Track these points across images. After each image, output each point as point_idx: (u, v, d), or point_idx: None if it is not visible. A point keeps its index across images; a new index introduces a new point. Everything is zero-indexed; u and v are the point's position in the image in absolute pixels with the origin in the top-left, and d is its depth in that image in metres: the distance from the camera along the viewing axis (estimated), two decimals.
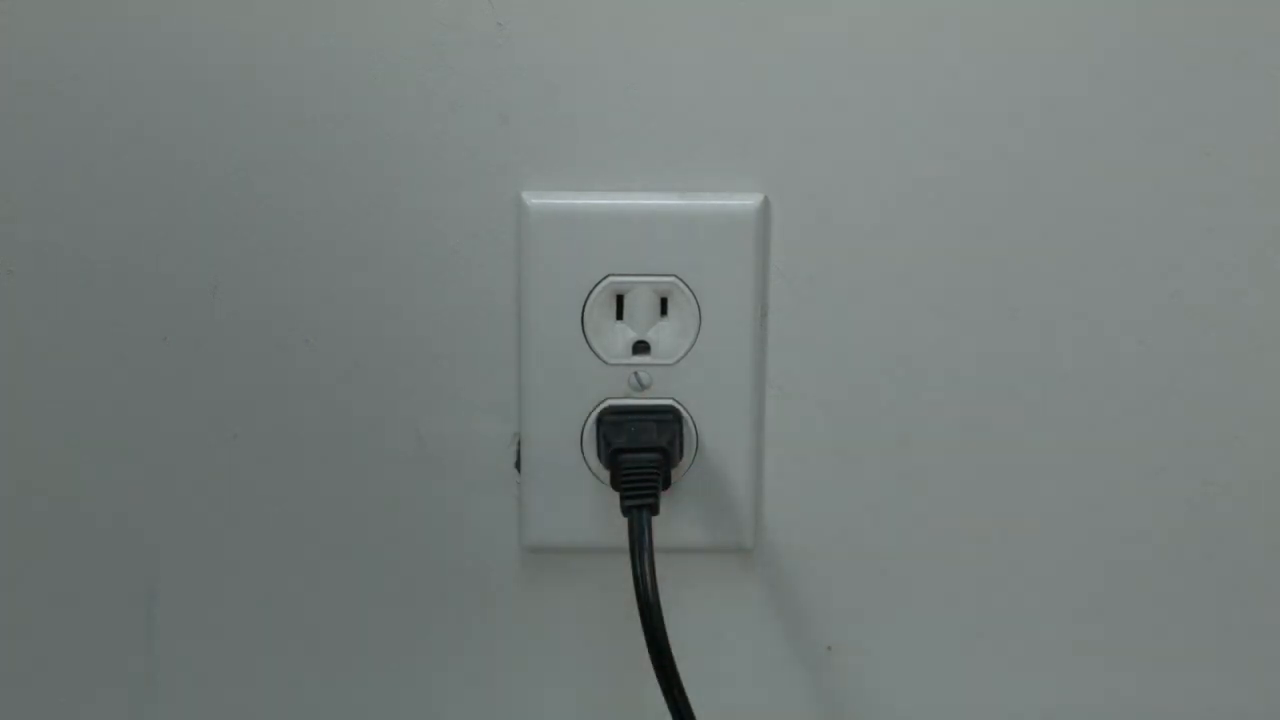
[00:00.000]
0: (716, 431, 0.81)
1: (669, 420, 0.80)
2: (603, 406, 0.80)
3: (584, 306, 0.79)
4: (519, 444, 0.81)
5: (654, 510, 0.77)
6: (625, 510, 0.77)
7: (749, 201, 0.78)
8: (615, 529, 0.79)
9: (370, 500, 0.82)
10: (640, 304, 0.79)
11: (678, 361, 0.80)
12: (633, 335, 0.80)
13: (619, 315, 0.79)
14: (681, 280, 0.79)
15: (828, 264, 0.80)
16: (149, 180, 0.78)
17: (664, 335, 0.80)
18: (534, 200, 0.78)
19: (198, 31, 0.76)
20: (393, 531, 0.83)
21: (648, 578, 0.75)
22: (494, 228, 0.79)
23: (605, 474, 0.80)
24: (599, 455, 0.80)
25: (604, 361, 0.80)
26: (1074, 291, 0.80)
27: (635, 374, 0.80)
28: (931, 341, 0.80)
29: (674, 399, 0.80)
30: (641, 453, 0.79)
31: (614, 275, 0.79)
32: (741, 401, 0.80)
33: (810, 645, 0.85)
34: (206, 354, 0.80)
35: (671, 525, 0.82)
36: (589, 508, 0.82)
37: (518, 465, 0.82)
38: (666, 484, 0.79)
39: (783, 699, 0.86)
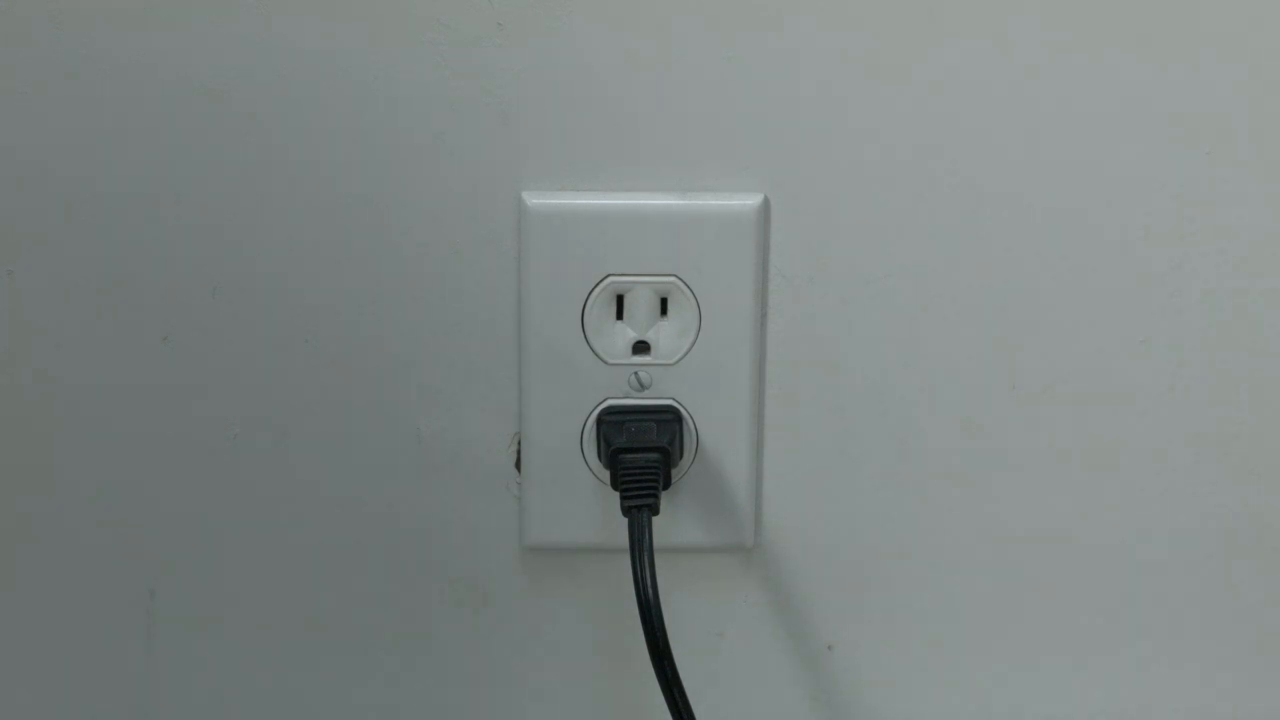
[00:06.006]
0: (716, 431, 0.81)
1: (669, 420, 0.80)
2: (603, 406, 0.80)
3: (584, 306, 0.79)
4: (519, 444, 0.81)
5: (654, 510, 0.77)
6: (625, 510, 0.77)
7: (749, 201, 0.78)
8: (615, 529, 0.79)
9: (370, 500, 0.82)
10: (640, 304, 0.79)
11: (678, 361, 0.80)
12: (633, 335, 0.80)
13: (619, 315, 0.79)
14: (681, 280, 0.79)
15: (828, 264, 0.79)
16: (149, 180, 0.78)
17: (664, 335, 0.80)
18: (534, 200, 0.78)
19: (197, 31, 0.76)
20: (392, 531, 0.83)
21: (648, 578, 0.75)
22: (494, 228, 0.79)
23: (605, 474, 0.80)
24: (599, 455, 0.80)
25: (604, 361, 0.80)
26: (1075, 291, 0.80)
27: (635, 374, 0.80)
28: (931, 341, 0.80)
29: (674, 399, 0.80)
30: (641, 453, 0.79)
31: (614, 275, 0.79)
32: (741, 401, 0.80)
33: (810, 645, 0.85)
34: (206, 354, 0.80)
35: (671, 525, 0.82)
36: (589, 508, 0.82)
37: (518, 465, 0.82)
38: (666, 484, 0.79)
39: (783, 699, 0.86)
